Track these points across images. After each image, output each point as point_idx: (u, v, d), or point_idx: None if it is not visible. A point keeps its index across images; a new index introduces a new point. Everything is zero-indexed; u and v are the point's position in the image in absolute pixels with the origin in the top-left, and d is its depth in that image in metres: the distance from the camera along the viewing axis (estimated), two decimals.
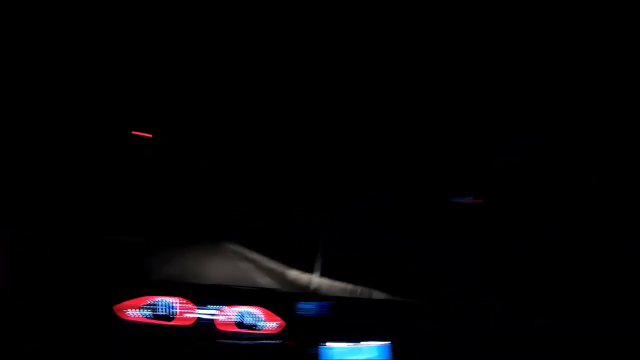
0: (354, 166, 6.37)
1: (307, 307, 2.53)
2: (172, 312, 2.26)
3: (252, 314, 2.42)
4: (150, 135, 5.42)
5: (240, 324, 2.38)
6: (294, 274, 6.23)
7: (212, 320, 2.31)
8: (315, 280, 5.21)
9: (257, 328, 2.40)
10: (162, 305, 2.26)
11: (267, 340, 2.33)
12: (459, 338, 2.64)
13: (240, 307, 2.40)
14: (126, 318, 2.17)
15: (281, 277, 6.28)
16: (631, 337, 2.47)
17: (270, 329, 2.41)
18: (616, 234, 3.81)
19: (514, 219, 4.76)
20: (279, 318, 2.43)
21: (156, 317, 2.23)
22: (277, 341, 2.33)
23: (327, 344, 2.25)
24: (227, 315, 2.35)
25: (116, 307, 2.16)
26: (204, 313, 2.31)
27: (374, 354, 2.34)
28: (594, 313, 2.91)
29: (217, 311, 2.33)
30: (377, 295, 3.68)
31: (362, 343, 2.32)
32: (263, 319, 2.43)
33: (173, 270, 5.15)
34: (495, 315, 2.94)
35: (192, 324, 2.26)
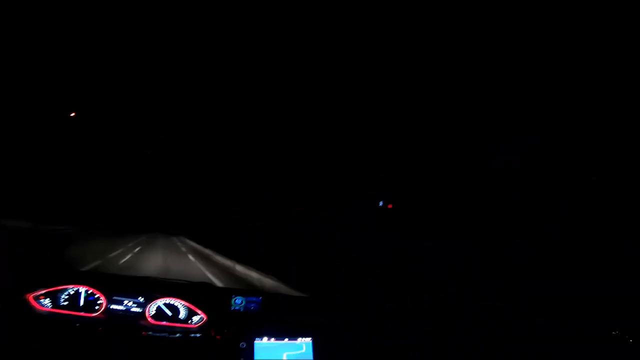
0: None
1: (237, 302, 2.55)
2: (84, 302, 2.30)
3: (173, 306, 2.43)
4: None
5: (157, 316, 2.39)
6: (240, 269, 6.26)
7: (125, 311, 2.34)
8: (262, 278, 5.24)
9: (176, 321, 2.41)
10: (74, 295, 2.30)
11: (187, 333, 2.34)
12: (382, 332, 2.64)
13: (160, 299, 2.41)
14: (38, 307, 2.21)
15: (229, 273, 6.29)
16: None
17: (192, 323, 2.43)
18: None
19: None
20: (201, 311, 2.44)
21: (67, 307, 2.27)
22: (197, 335, 2.34)
23: (257, 339, 2.26)
24: (143, 307, 2.36)
25: (29, 296, 2.20)
26: (119, 304, 2.34)
27: (299, 350, 2.37)
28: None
29: (132, 302, 2.35)
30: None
31: (286, 340, 2.35)
32: (184, 312, 2.44)
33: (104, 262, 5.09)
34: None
35: (103, 314, 2.29)
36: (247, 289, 2.75)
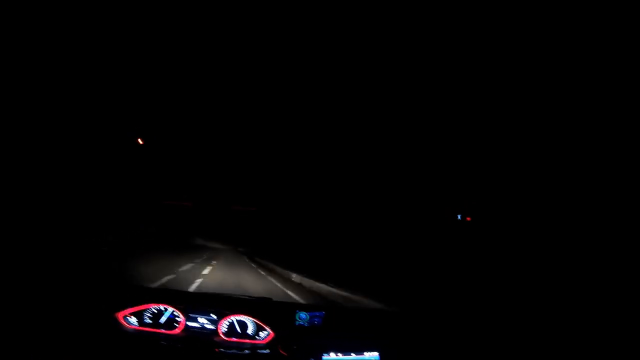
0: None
1: (301, 317, 2.58)
2: (165, 320, 2.44)
3: (243, 322, 2.51)
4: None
5: (228, 333, 2.47)
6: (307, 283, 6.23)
7: (200, 329, 2.45)
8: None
9: (245, 337, 2.48)
10: (157, 313, 2.45)
11: (254, 349, 2.38)
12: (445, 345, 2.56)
13: (231, 316, 2.50)
14: (127, 325, 2.38)
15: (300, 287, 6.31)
16: None
17: (259, 338, 2.48)
18: None
19: None
20: (268, 327, 2.49)
21: (151, 325, 2.42)
22: (266, 351, 2.37)
23: (325, 355, 2.26)
24: (215, 323, 2.47)
25: (119, 314, 2.38)
26: (195, 321, 2.47)
27: None
28: None
29: (205, 320, 2.47)
30: None
31: (352, 355, 2.33)
32: (252, 328, 2.51)
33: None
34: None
35: (182, 332, 2.42)
36: (311, 303, 2.77)
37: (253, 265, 9.11)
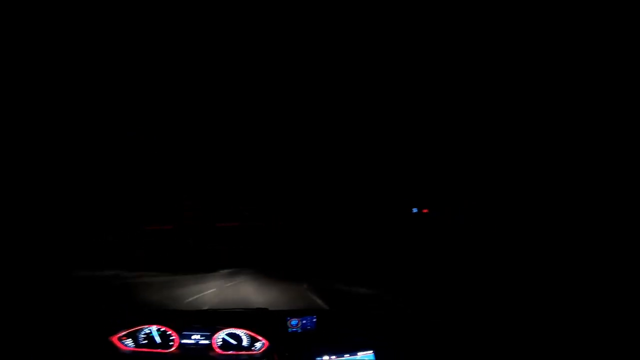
0: None
1: (292, 323, 2.64)
2: (160, 339, 2.50)
3: (236, 335, 2.55)
4: None
5: (224, 347, 2.52)
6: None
7: (195, 345, 2.50)
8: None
9: (241, 349, 2.52)
10: (150, 334, 2.51)
11: None
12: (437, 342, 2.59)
13: (223, 330, 2.54)
14: (123, 347, 2.45)
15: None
16: None
17: (255, 349, 2.52)
18: None
19: None
20: (262, 337, 2.53)
21: (146, 345, 2.49)
22: None
23: (318, 358, 2.30)
24: (209, 338, 2.52)
25: (113, 337, 2.44)
26: (189, 338, 2.52)
27: None
28: None
29: (199, 336, 2.52)
30: None
31: (346, 356, 2.36)
32: (246, 340, 2.55)
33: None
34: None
35: (177, 349, 2.47)
36: (302, 308, 2.80)
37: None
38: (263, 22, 3.57)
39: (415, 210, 5.94)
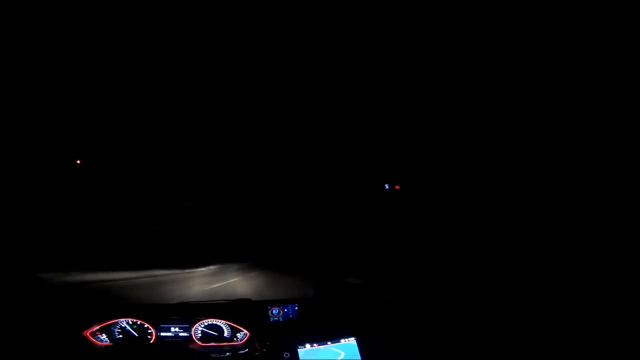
0: None
1: (274, 312, 2.61)
2: (137, 333, 2.43)
3: (217, 326, 2.49)
4: None
5: (204, 339, 2.46)
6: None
7: (174, 337, 2.45)
8: None
9: (222, 340, 2.47)
10: (125, 328, 2.44)
11: (235, 351, 2.36)
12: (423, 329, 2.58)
13: (202, 321, 2.48)
14: (97, 343, 2.38)
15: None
16: None
17: (237, 340, 2.47)
18: None
19: None
20: (243, 328, 2.47)
21: (122, 339, 2.43)
22: (245, 350, 2.36)
23: (300, 347, 2.24)
24: (189, 331, 2.46)
25: (86, 332, 2.37)
26: (167, 331, 2.46)
27: (343, 351, 2.31)
28: None
29: (177, 328, 2.46)
30: None
31: (329, 343, 2.31)
32: (227, 331, 2.49)
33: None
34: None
35: (155, 342, 2.41)
36: (284, 298, 2.74)
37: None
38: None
39: (387, 186, 5.97)
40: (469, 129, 4.74)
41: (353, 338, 2.35)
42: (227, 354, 2.35)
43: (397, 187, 5.87)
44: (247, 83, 4.59)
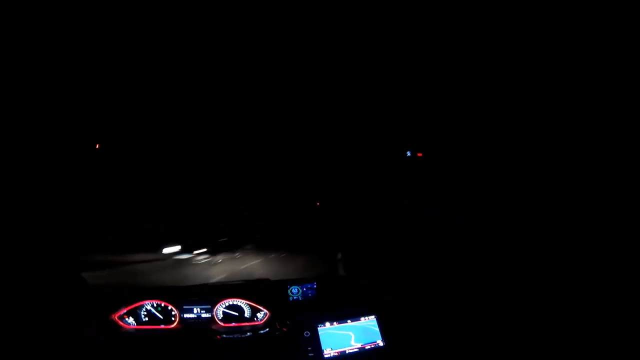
0: None
1: (293, 291, 2.61)
2: (161, 315, 2.48)
3: (237, 306, 2.51)
4: None
5: (225, 319, 2.48)
6: None
7: (197, 319, 2.48)
8: None
9: (243, 320, 2.49)
10: (150, 310, 2.49)
11: (256, 331, 2.38)
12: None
13: (223, 301, 2.51)
14: (125, 326, 2.43)
15: None
16: None
17: (258, 320, 2.48)
18: None
19: None
20: (263, 307, 2.48)
21: (148, 322, 2.48)
22: (265, 330, 2.37)
23: (320, 326, 2.24)
24: (211, 311, 2.49)
25: (114, 316, 2.42)
26: (190, 312, 2.49)
27: (364, 329, 2.31)
28: None
29: (200, 309, 2.49)
30: None
31: (349, 321, 2.31)
32: (248, 311, 2.51)
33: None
34: None
35: (179, 325, 2.45)
36: (302, 277, 2.75)
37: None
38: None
39: (409, 153, 5.92)
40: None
41: (373, 316, 2.33)
42: (248, 333, 2.39)
43: (420, 154, 5.79)
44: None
